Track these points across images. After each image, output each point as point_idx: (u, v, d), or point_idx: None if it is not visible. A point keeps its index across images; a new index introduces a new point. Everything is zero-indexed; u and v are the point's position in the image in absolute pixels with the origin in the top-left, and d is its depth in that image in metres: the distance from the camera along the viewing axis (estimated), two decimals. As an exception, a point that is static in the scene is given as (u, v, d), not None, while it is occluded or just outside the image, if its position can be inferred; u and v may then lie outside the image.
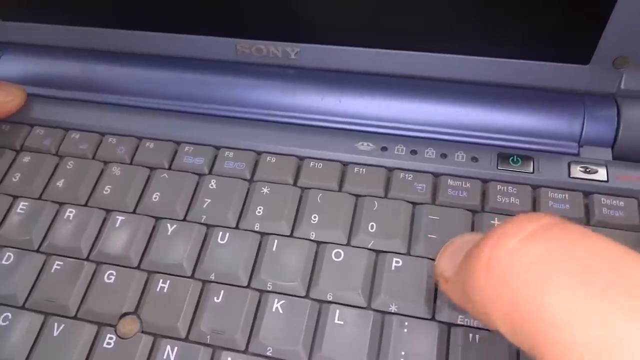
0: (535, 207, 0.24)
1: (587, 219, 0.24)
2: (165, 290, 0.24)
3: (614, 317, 0.12)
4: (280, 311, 0.23)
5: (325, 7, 0.27)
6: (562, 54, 0.26)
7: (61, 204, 0.27)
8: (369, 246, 0.24)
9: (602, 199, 0.24)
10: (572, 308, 0.12)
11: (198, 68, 0.30)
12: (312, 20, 0.28)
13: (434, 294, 0.22)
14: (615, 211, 0.24)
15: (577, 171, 0.25)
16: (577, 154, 0.26)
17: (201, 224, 0.25)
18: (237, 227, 0.25)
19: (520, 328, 0.14)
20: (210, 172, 0.27)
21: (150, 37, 0.30)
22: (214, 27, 0.30)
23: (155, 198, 0.26)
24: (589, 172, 0.25)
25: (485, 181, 0.25)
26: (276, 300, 0.23)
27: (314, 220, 0.25)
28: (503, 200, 0.25)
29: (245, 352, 0.22)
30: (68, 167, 0.28)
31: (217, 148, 0.28)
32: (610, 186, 0.24)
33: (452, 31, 0.26)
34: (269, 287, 0.23)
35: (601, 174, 0.25)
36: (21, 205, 0.27)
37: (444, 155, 0.26)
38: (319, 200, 0.25)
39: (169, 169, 0.28)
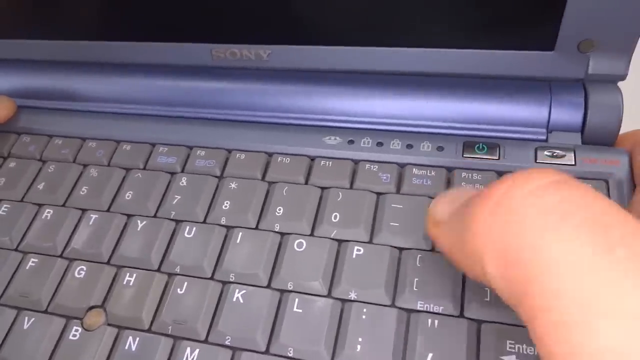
0: (500, 192, 0.24)
1: (554, 203, 0.23)
2: (131, 284, 0.24)
3: (615, 275, 0.12)
4: (241, 301, 0.23)
5: (293, 9, 0.28)
6: (525, 42, 0.26)
7: (40, 205, 0.28)
8: (332, 236, 0.24)
9: (569, 182, 0.23)
10: (577, 260, 0.12)
11: (176, 74, 0.31)
12: (281, 22, 0.29)
13: (395, 281, 0.22)
14: (582, 194, 0.23)
15: (544, 156, 0.25)
16: (546, 140, 0.26)
17: (170, 219, 0.26)
18: (204, 222, 0.26)
19: (515, 270, 0.13)
20: (182, 171, 0.28)
21: (128, 47, 0.31)
22: (189, 34, 0.31)
23: (128, 196, 0.27)
24: (556, 157, 0.24)
25: (450, 169, 0.25)
26: (237, 290, 0.23)
27: (278, 213, 0.25)
28: (467, 187, 0.24)
29: (205, 341, 0.22)
30: (49, 170, 0.29)
31: (190, 148, 0.29)
32: (578, 169, 0.24)
33: (415, 25, 0.26)
34: (232, 278, 0.23)
35: (569, 158, 0.24)
36: (3, 208, 0.28)
37: (409, 146, 0.26)
38: (284, 194, 0.26)
39: (144, 169, 0.28)
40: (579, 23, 0.24)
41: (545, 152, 0.25)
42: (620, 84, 0.26)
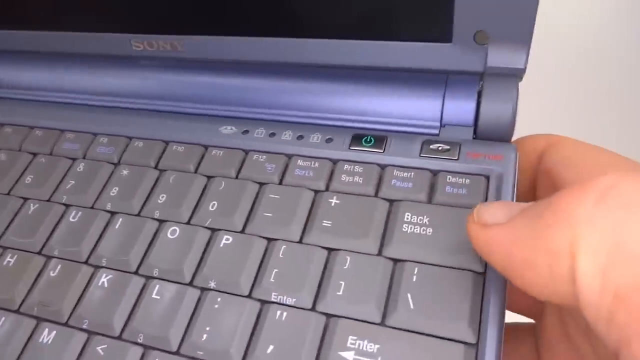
0: (379, 186, 0.23)
1: (430, 198, 0.22)
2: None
3: None
4: (106, 285, 0.23)
5: (205, 1, 0.28)
6: (422, 33, 0.25)
7: None
8: (207, 224, 0.24)
9: (449, 177, 0.23)
10: None
11: (93, 64, 0.32)
12: (194, 13, 0.29)
13: (256, 273, 0.22)
14: (460, 189, 0.22)
15: (428, 150, 0.24)
16: (437, 135, 0.25)
17: (61, 203, 0.26)
18: (92, 207, 0.26)
19: (625, 267, 0.12)
20: (84, 157, 0.28)
21: (55, 37, 0.32)
22: (109, 24, 0.31)
23: (28, 180, 0.27)
24: (440, 151, 0.24)
25: (335, 162, 0.25)
26: (104, 275, 0.23)
27: (161, 200, 0.25)
28: (347, 180, 0.24)
29: (65, 324, 0.22)
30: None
31: (95, 135, 0.29)
32: (459, 164, 0.23)
33: (309, 15, 0.26)
34: (104, 263, 0.23)
35: (453, 152, 0.23)
36: None
37: (300, 137, 0.26)
38: (171, 182, 0.25)
39: (50, 154, 0.29)
40: (471, 13, 0.23)
41: (431, 147, 0.24)
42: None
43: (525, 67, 0.25)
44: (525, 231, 0.15)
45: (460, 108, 0.24)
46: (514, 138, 0.25)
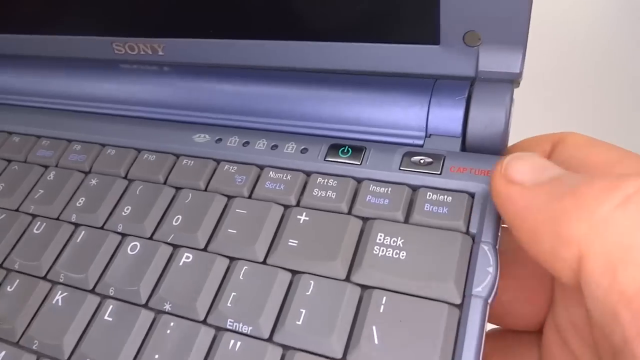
0: (353, 202, 0.21)
1: (407, 217, 0.20)
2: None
3: None
4: (60, 304, 0.21)
5: (185, 3, 0.27)
6: (407, 34, 0.23)
7: None
8: (169, 240, 0.22)
9: (429, 193, 0.20)
10: None
11: (73, 68, 0.31)
12: (173, 15, 0.27)
13: (214, 296, 0.20)
14: (440, 208, 0.20)
15: (409, 163, 0.21)
16: (421, 145, 0.22)
17: (28, 214, 0.25)
18: (57, 219, 0.25)
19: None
20: (56, 165, 0.27)
21: (36, 40, 0.31)
22: (90, 27, 0.30)
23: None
24: (422, 165, 0.21)
25: (308, 174, 0.23)
26: (60, 292, 0.22)
27: (125, 212, 0.23)
28: (319, 194, 0.22)
29: (17, 344, 0.21)
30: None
31: (69, 141, 0.28)
32: (441, 180, 0.21)
33: (289, 17, 0.24)
34: (61, 279, 0.22)
35: (435, 166, 0.21)
36: None
37: (274, 147, 0.24)
38: (138, 193, 0.24)
39: (25, 161, 0.28)
40: (459, 11, 0.21)
41: (412, 159, 0.22)
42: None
43: (522, 72, 0.22)
44: (543, 205, 0.16)
45: (447, 116, 0.22)
46: (510, 143, 0.23)
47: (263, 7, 0.24)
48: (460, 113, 0.22)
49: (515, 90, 0.23)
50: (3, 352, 0.21)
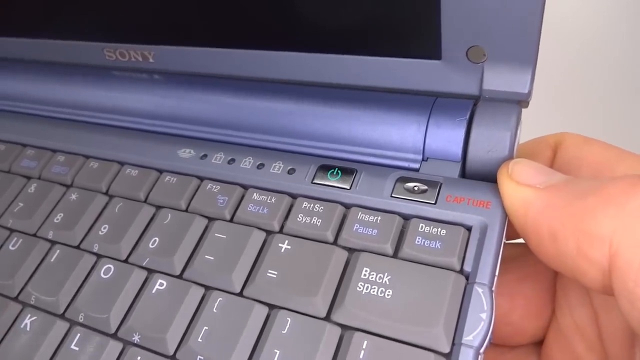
0: (339, 230, 0.19)
1: (396, 250, 0.18)
2: None
3: None
4: (28, 328, 0.20)
5: (175, 12, 0.25)
6: (406, 47, 0.21)
7: None
8: (144, 264, 0.21)
9: (421, 225, 0.19)
10: None
11: (61, 75, 0.30)
12: (163, 23, 0.26)
13: (185, 329, 0.19)
14: (433, 242, 0.18)
15: (402, 190, 0.20)
16: (417, 170, 0.21)
17: (6, 228, 0.24)
18: (35, 235, 0.23)
19: None
20: (39, 177, 0.26)
21: (27, 44, 0.30)
22: (82, 32, 0.29)
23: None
24: (416, 192, 0.19)
25: (294, 197, 0.21)
26: (29, 315, 0.20)
27: (102, 232, 0.22)
28: (304, 220, 0.20)
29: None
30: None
31: (54, 152, 0.27)
32: (438, 210, 0.19)
33: (283, 27, 0.22)
34: (32, 301, 0.21)
35: (430, 194, 0.19)
36: None
37: (261, 165, 0.22)
38: (117, 211, 0.23)
39: (8, 171, 0.27)
40: (462, 24, 0.19)
41: (406, 185, 0.20)
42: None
43: (531, 92, 0.20)
44: (564, 205, 0.15)
45: (446, 138, 0.20)
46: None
47: (256, 16, 0.23)
48: (460, 135, 0.20)
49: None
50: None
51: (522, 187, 0.17)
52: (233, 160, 0.23)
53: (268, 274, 0.19)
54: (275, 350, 0.17)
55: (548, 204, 0.16)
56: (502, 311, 0.20)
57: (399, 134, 0.21)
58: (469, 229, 0.18)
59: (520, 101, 0.20)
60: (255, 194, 0.21)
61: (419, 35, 0.20)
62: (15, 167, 0.27)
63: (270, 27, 0.23)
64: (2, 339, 0.20)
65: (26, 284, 0.22)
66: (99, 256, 0.22)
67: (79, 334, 0.19)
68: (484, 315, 0.16)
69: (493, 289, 0.17)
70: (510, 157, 0.20)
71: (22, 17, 0.30)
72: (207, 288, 0.19)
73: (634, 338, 0.17)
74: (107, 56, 0.28)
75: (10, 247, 0.23)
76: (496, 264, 0.17)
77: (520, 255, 0.21)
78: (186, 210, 0.22)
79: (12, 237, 0.23)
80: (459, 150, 0.20)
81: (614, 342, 0.18)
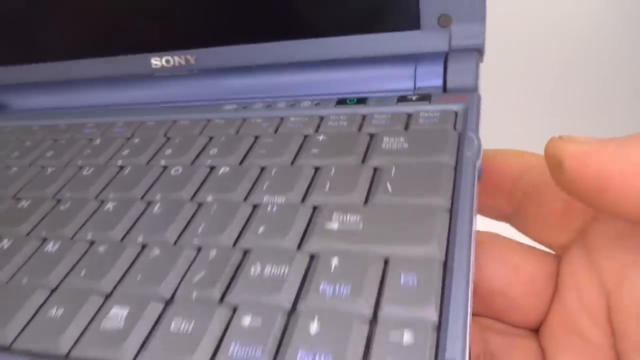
0: (362, 125, 0.26)
1: (406, 128, 0.25)
2: None
3: None
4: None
5: (207, 16, 0.34)
6: (395, 23, 0.30)
7: None
8: (207, 163, 0.26)
9: (422, 113, 0.26)
10: None
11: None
12: (201, 28, 0.34)
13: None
14: (432, 119, 0.25)
15: (404, 99, 0.27)
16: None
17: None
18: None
19: None
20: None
21: (77, 64, 0.37)
22: (126, 46, 0.36)
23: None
24: (414, 100, 0.27)
25: (323, 117, 0.28)
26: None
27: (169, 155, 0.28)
28: (333, 124, 0.27)
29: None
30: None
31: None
32: (432, 106, 0.26)
33: (289, 17, 0.31)
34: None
35: (425, 99, 0.27)
36: None
37: (292, 105, 0.29)
38: (177, 142, 0.28)
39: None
40: (432, 1, 0.29)
41: (406, 97, 0.27)
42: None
43: (484, 42, 0.29)
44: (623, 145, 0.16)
45: (430, 72, 0.28)
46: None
47: (265, 13, 0.32)
48: (440, 69, 0.28)
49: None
50: None
51: (583, 143, 0.17)
52: (270, 106, 0.30)
53: (312, 151, 0.25)
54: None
55: (607, 150, 0.16)
56: (507, 281, 0.21)
57: (396, 74, 0.29)
58: (455, 112, 0.25)
59: (479, 50, 0.29)
60: (291, 118, 0.28)
61: (404, 14, 0.30)
62: (76, 134, 0.32)
63: (286, 19, 0.31)
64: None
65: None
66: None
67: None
68: (475, 140, 0.23)
69: (479, 135, 0.23)
70: (475, 86, 0.28)
71: (80, 40, 0.37)
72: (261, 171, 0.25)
73: None
74: (153, 65, 0.36)
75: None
76: (478, 122, 0.24)
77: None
78: (236, 134, 0.28)
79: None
80: (440, 79, 0.28)
81: (623, 319, 0.18)
